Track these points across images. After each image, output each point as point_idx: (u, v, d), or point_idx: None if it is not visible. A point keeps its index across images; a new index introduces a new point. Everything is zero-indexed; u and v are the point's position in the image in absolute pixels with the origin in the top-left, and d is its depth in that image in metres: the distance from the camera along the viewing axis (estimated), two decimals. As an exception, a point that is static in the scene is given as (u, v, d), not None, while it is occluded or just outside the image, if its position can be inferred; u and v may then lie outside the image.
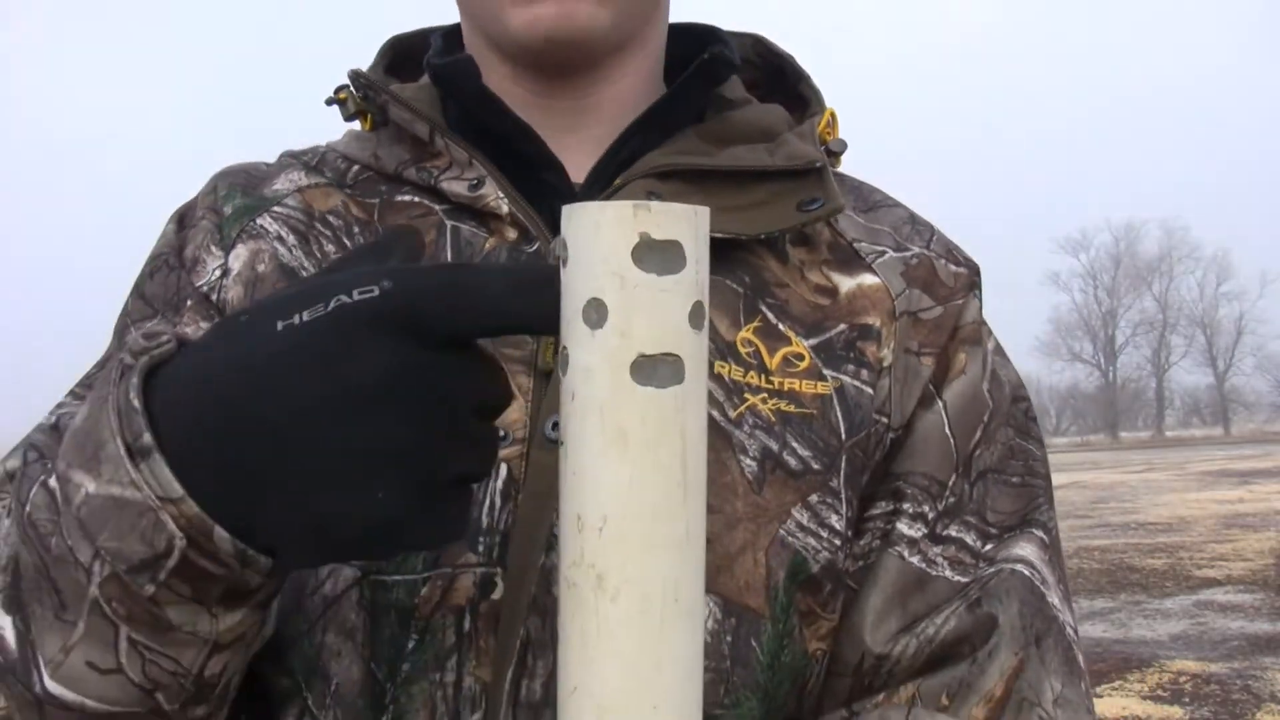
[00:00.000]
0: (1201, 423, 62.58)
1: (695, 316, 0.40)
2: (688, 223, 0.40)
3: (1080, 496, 17.10)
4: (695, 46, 0.68)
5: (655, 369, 0.39)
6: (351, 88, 0.68)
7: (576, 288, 0.39)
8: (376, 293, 0.39)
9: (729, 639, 0.56)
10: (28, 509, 0.45)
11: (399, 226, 0.62)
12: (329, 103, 0.69)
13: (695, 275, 0.40)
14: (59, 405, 0.62)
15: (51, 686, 0.45)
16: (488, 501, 0.56)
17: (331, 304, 0.39)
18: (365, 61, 0.71)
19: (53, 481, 0.44)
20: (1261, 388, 59.29)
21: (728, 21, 0.74)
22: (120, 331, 0.66)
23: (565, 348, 0.40)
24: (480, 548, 0.55)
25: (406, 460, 0.40)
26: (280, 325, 0.40)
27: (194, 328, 0.62)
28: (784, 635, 0.58)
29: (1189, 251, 58.68)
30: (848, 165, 0.72)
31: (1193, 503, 14.78)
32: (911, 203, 0.74)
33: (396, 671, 0.55)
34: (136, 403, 0.41)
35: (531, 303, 0.40)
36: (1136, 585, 8.17)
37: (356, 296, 0.39)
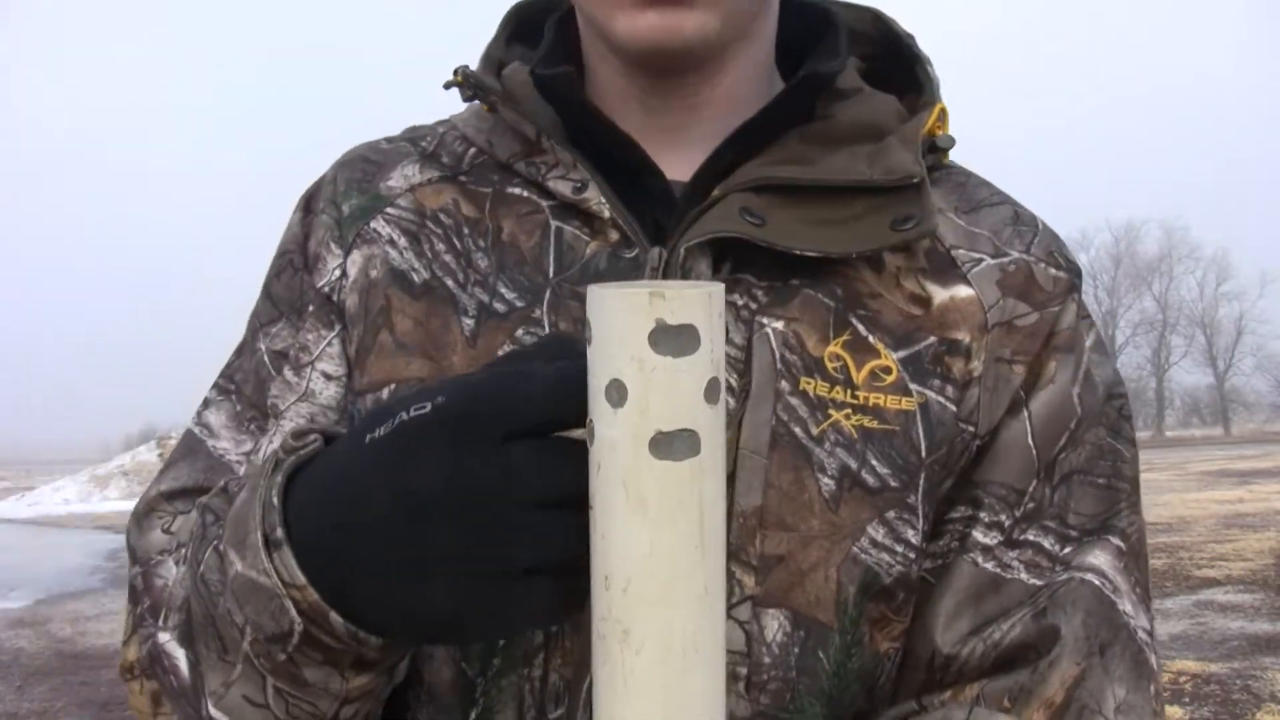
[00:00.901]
0: (1201, 423, 62.57)
1: (710, 392, 0.43)
2: (701, 306, 0.43)
3: (1080, 496, 17.08)
4: (811, 24, 0.69)
5: (672, 443, 0.43)
6: (464, 71, 0.69)
7: (599, 368, 0.43)
8: (428, 409, 0.45)
9: (796, 650, 0.59)
10: (201, 569, 0.54)
11: (559, 336, 0.62)
12: (447, 86, 0.70)
13: (710, 355, 0.43)
14: (205, 403, 0.70)
15: (214, 713, 0.54)
16: None
17: (396, 421, 0.46)
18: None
19: (221, 547, 0.52)
20: (1261, 388, 59.27)
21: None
22: (253, 329, 0.70)
23: (592, 421, 0.44)
24: None
25: (467, 556, 0.45)
26: (367, 439, 0.47)
27: (314, 334, 0.67)
28: (852, 645, 0.60)
29: (1189, 251, 58.69)
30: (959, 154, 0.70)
31: (1193, 503, 14.77)
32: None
33: (488, 668, 0.59)
34: (275, 501, 0.49)
35: (570, 405, 0.44)
36: (1136, 585, 8.19)
37: (413, 413, 0.46)
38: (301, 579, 0.48)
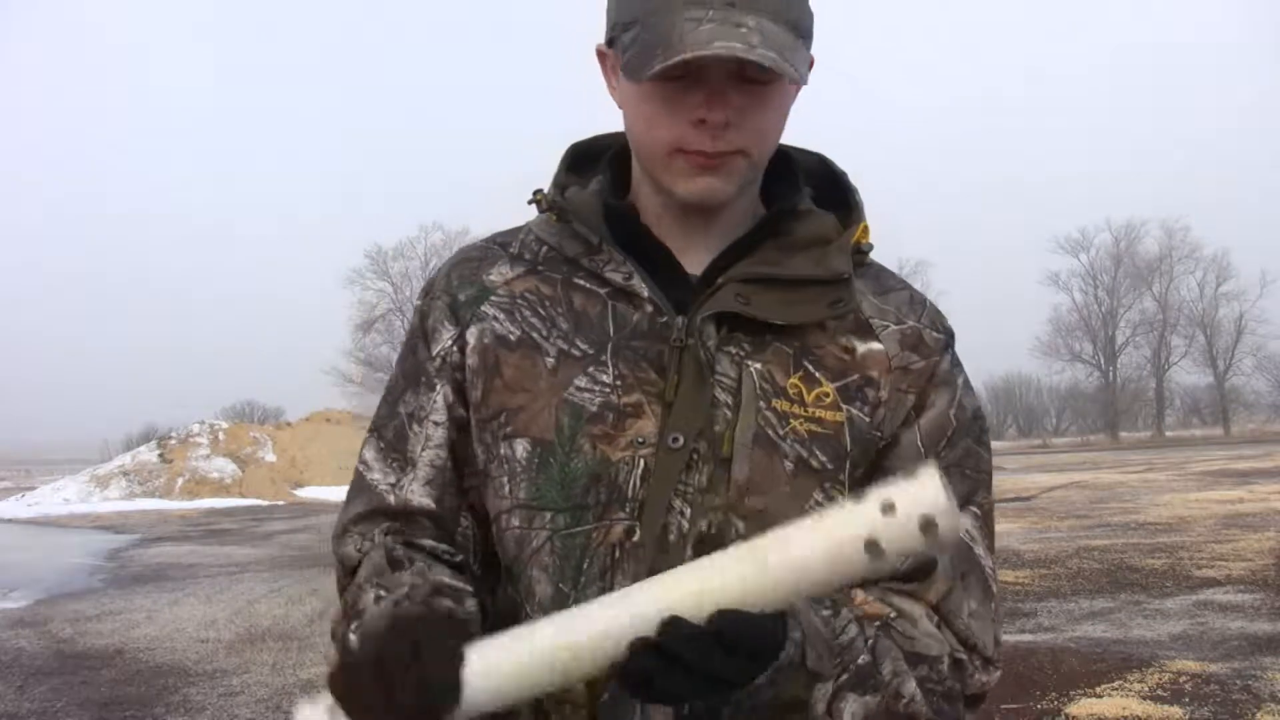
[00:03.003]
0: (1201, 423, 62.57)
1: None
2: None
3: (1080, 496, 17.09)
4: (778, 164, 1.01)
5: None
6: (543, 195, 1.02)
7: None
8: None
9: None
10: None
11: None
12: (530, 202, 1.03)
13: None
14: (364, 443, 1.03)
15: None
16: (632, 481, 0.91)
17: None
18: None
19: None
20: (1261, 388, 59.28)
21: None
22: (393, 394, 1.03)
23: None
24: (627, 509, 0.91)
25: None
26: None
27: (428, 398, 1.00)
28: None
29: (1189, 251, 58.55)
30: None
31: (1193, 503, 14.77)
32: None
33: (577, 584, 0.91)
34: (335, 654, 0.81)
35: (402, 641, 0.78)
36: (1136, 585, 8.17)
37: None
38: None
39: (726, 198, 0.94)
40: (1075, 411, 66.15)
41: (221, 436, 28.56)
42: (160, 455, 28.04)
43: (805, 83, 0.92)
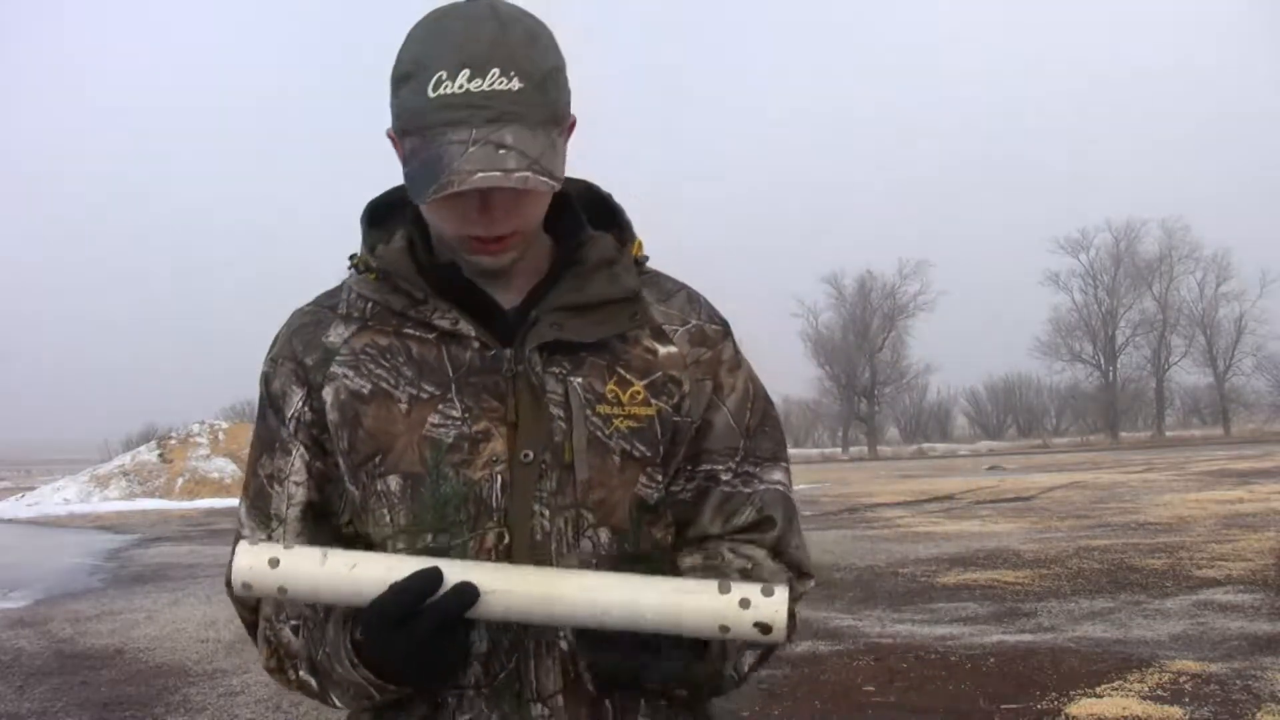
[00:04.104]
0: (1201, 423, 62.55)
1: None
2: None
3: (1080, 496, 17.09)
4: (557, 196, 1.12)
5: None
6: (360, 258, 1.15)
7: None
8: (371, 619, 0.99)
9: (614, 544, 1.10)
10: (319, 655, 1.07)
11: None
12: (349, 266, 1.15)
13: None
14: (240, 503, 1.17)
15: (337, 704, 1.09)
16: (494, 494, 1.06)
17: (368, 627, 1.00)
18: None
19: (325, 656, 1.06)
20: (1261, 388, 59.24)
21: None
22: (252, 461, 1.17)
23: None
24: (494, 518, 1.06)
25: (411, 665, 1.00)
26: (359, 635, 1.02)
27: (284, 460, 1.13)
28: (639, 537, 1.11)
29: (1189, 251, 58.60)
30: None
31: (1193, 503, 14.77)
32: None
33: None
34: (349, 649, 1.03)
35: (405, 601, 0.97)
36: (1136, 585, 8.18)
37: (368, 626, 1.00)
38: (370, 675, 1.02)
39: (513, 263, 1.11)
40: (1075, 411, 66.11)
41: (221, 436, 28.57)
42: (160, 455, 28.04)
43: (558, 187, 1.05)
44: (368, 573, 0.96)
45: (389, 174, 1.16)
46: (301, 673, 1.09)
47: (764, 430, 1.19)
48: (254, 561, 0.97)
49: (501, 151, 0.99)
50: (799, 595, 1.16)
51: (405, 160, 1.05)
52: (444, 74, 1.00)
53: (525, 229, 1.08)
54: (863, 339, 60.46)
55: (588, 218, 1.18)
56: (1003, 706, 4.90)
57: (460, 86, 0.99)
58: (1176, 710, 4.72)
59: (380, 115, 1.09)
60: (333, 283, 1.19)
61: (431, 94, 1.00)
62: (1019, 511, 14.75)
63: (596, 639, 0.98)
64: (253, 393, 1.19)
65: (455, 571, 0.95)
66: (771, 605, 0.93)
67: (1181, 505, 14.46)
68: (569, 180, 1.16)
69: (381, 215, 1.18)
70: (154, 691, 5.92)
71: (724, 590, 0.93)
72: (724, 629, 0.93)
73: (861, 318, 61.03)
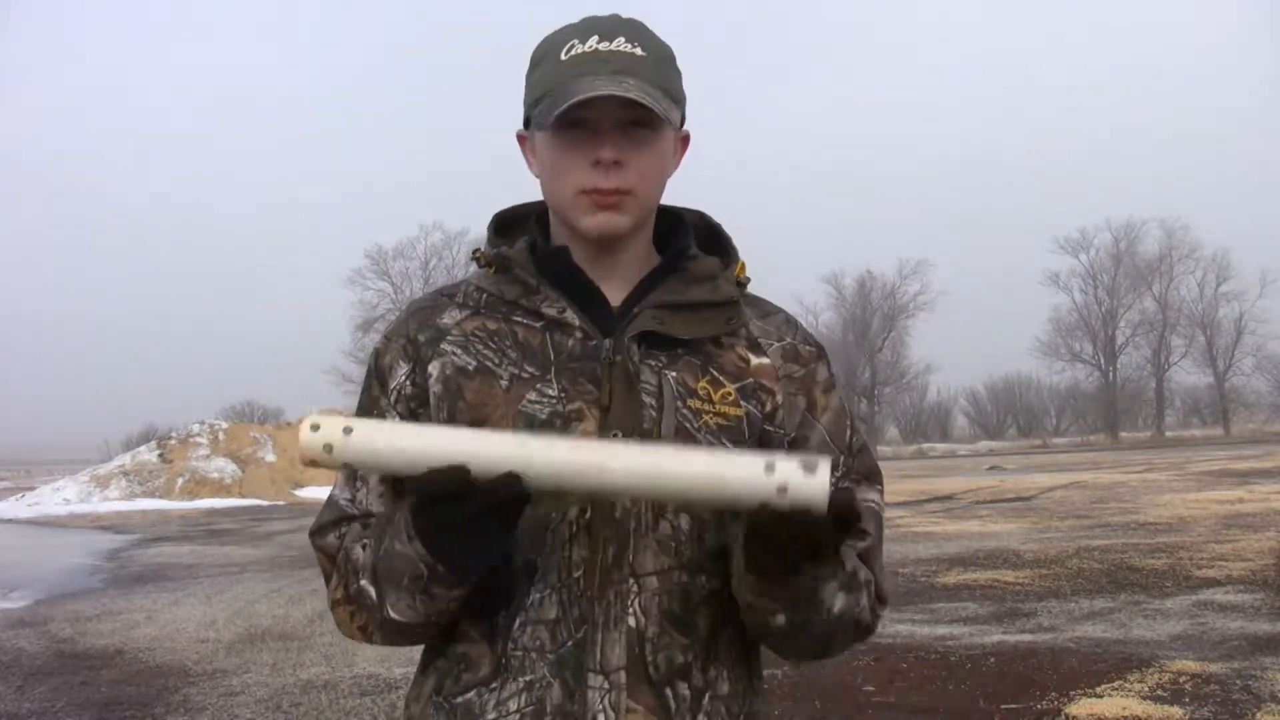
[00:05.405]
0: (1201, 423, 62.51)
1: None
2: None
3: (1080, 496, 17.09)
4: (669, 221, 1.27)
5: None
6: (482, 254, 1.24)
7: None
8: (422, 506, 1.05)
9: (696, 531, 1.14)
10: (382, 549, 1.10)
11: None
12: (471, 259, 1.26)
13: None
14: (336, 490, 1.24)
15: (391, 614, 1.10)
16: None
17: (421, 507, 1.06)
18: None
19: (390, 541, 1.09)
20: (1261, 388, 59.23)
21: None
22: (355, 416, 1.19)
23: None
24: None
25: (468, 541, 1.05)
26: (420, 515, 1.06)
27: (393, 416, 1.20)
28: (719, 530, 1.13)
29: (1189, 251, 58.53)
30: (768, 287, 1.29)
31: (1193, 503, 14.76)
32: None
33: (542, 553, 1.12)
34: (409, 526, 1.06)
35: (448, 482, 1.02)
36: (1136, 585, 8.17)
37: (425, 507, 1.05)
38: (421, 549, 1.05)
39: (623, 230, 1.17)
40: (1075, 411, 66.11)
41: (221, 437, 28.56)
42: (160, 455, 28.03)
43: (675, 126, 1.18)
44: (434, 440, 1.01)
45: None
46: (363, 581, 1.12)
47: (864, 451, 1.25)
48: (330, 424, 1.03)
49: (626, 84, 1.11)
50: (876, 619, 1.19)
51: (539, 118, 1.15)
52: (576, 41, 1.15)
53: (638, 189, 1.16)
54: (863, 339, 60.40)
55: (698, 244, 1.25)
56: (1003, 706, 4.90)
57: (590, 47, 1.14)
58: (1176, 710, 4.72)
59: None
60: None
61: (564, 58, 1.14)
62: (1019, 511, 14.75)
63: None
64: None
65: (513, 441, 1.00)
66: (812, 485, 0.95)
67: (1181, 505, 14.46)
68: (684, 210, 1.29)
69: (508, 225, 1.28)
70: (154, 691, 5.92)
71: (769, 470, 0.96)
72: (779, 491, 0.96)
73: (861, 318, 61.01)
